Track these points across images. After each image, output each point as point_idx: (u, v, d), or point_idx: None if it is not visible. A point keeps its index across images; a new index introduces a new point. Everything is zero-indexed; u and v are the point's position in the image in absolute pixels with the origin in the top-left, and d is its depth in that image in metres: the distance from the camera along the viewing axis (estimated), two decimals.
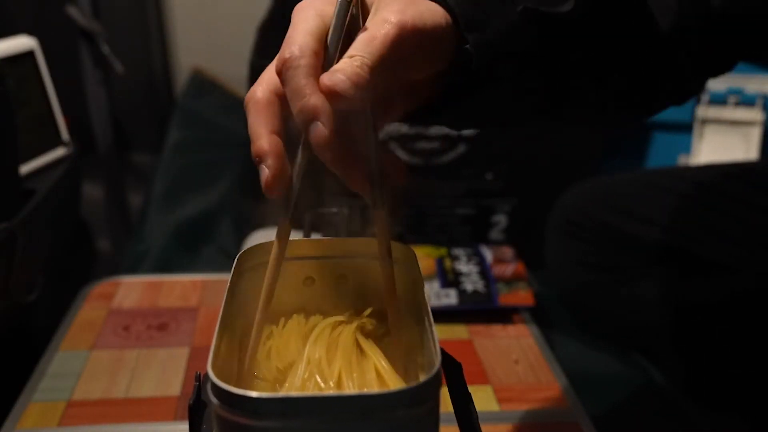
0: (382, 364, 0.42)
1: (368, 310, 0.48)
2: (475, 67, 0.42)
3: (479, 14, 0.42)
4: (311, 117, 0.37)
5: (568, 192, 0.95)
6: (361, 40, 0.38)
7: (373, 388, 0.41)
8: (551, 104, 0.50)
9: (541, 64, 0.46)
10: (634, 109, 0.58)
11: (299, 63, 0.37)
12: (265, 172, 0.39)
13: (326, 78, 0.37)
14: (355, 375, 0.41)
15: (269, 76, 0.40)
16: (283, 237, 0.43)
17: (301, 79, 0.37)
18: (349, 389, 0.41)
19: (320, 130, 0.37)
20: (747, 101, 1.27)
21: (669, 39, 0.51)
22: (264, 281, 0.43)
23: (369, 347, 0.44)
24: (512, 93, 0.46)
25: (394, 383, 0.41)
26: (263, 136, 0.40)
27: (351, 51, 0.38)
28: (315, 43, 0.38)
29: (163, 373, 0.74)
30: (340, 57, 0.38)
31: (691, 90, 0.59)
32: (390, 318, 0.44)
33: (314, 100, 0.37)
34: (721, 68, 0.58)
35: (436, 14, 0.41)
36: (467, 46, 0.42)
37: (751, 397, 0.80)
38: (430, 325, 0.41)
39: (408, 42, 0.39)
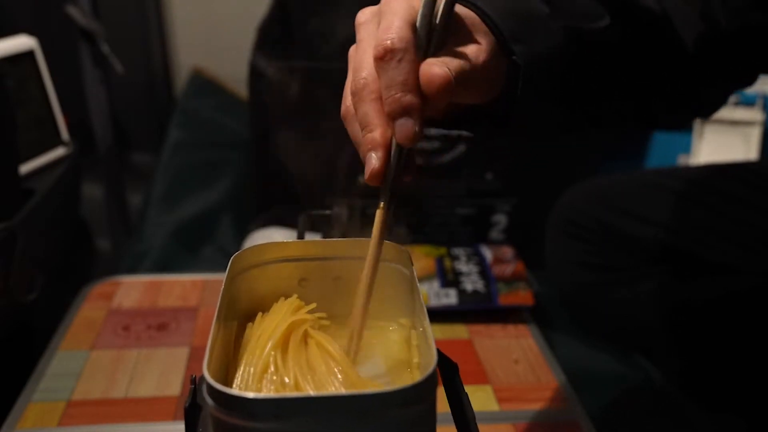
0: (330, 348, 0.42)
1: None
2: (524, 78, 0.44)
3: (523, 30, 0.45)
4: (405, 111, 0.40)
5: (568, 192, 0.95)
6: (453, 52, 0.41)
7: (326, 378, 0.41)
8: (581, 117, 0.52)
9: (578, 76, 0.49)
10: (663, 120, 0.60)
11: (402, 56, 0.39)
12: (374, 162, 0.41)
13: (437, 67, 0.39)
14: (309, 377, 0.41)
15: (372, 61, 0.41)
16: (381, 228, 0.43)
17: (404, 72, 0.39)
18: (307, 387, 0.40)
19: (411, 125, 0.40)
20: (747, 101, 1.27)
21: (695, 53, 0.53)
22: (362, 278, 0.44)
23: (317, 336, 0.44)
24: (548, 106, 0.49)
25: (346, 366, 0.41)
26: (378, 126, 0.41)
27: (444, 59, 0.40)
28: (413, 33, 0.40)
29: (163, 373, 0.74)
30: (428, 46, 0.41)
31: (716, 103, 0.62)
32: (354, 319, 0.44)
33: (411, 98, 0.39)
34: (742, 81, 0.61)
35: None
36: (514, 57, 0.44)
37: (749, 397, 0.80)
38: (425, 325, 0.41)
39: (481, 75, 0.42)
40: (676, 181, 0.88)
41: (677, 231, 0.84)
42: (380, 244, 0.43)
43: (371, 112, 0.41)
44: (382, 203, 0.43)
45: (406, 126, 0.40)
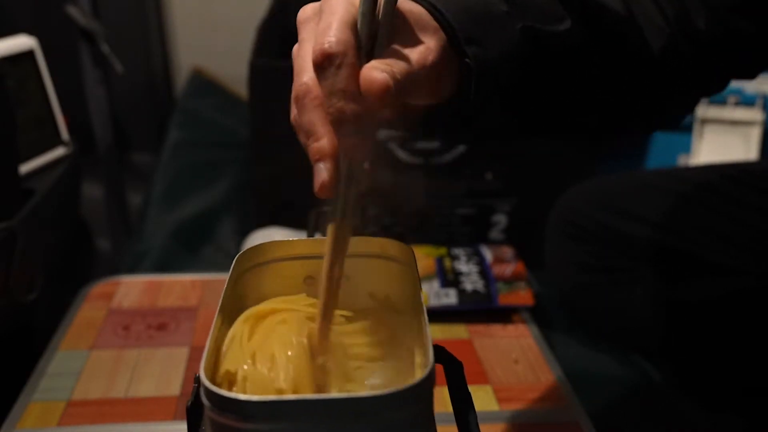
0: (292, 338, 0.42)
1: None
2: (476, 81, 0.42)
3: (478, 30, 0.42)
4: (349, 120, 0.37)
5: (567, 193, 0.96)
6: (397, 53, 0.39)
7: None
8: (543, 121, 0.50)
9: (537, 81, 0.46)
10: (628, 128, 0.58)
11: (342, 60, 0.37)
12: (323, 173, 0.38)
13: (377, 72, 0.36)
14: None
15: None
16: (334, 244, 0.41)
17: (343, 79, 0.37)
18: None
19: (354, 138, 0.37)
20: (747, 101, 1.27)
21: (661, 60, 0.51)
22: (321, 292, 0.42)
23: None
24: (507, 109, 0.46)
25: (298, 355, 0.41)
26: (324, 135, 0.38)
27: (387, 61, 0.38)
28: (353, 36, 0.37)
29: (163, 372, 0.74)
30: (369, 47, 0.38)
31: (685, 109, 0.60)
32: (318, 337, 0.42)
33: (353, 106, 0.37)
34: (713, 88, 0.59)
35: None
36: (467, 59, 0.42)
37: (748, 397, 0.80)
38: (425, 325, 0.41)
39: (430, 75, 0.40)
40: (676, 181, 0.88)
41: (676, 231, 0.84)
42: (337, 262, 0.41)
43: (316, 119, 0.38)
44: (336, 217, 0.41)
45: (349, 136, 0.37)
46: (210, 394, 0.35)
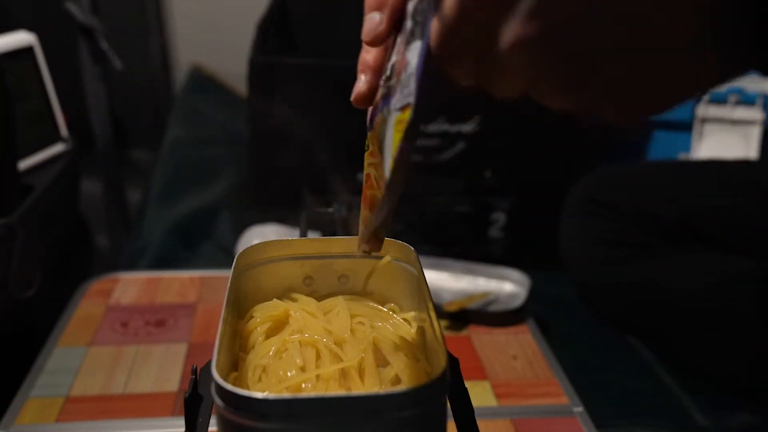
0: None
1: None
2: None
3: None
4: None
5: (593, 173, 0.98)
6: None
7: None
8: None
9: None
10: None
11: None
12: (361, 84, 0.40)
13: None
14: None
15: None
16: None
17: None
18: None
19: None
20: (747, 100, 1.27)
21: None
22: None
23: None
24: None
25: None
26: (370, 51, 0.40)
27: None
28: None
29: (161, 368, 0.74)
30: None
31: None
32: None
33: None
34: None
35: None
36: None
37: (753, 389, 0.79)
38: (434, 323, 0.40)
39: None
40: (710, 170, 0.89)
41: (702, 213, 0.85)
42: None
43: None
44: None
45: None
46: (225, 393, 0.34)
